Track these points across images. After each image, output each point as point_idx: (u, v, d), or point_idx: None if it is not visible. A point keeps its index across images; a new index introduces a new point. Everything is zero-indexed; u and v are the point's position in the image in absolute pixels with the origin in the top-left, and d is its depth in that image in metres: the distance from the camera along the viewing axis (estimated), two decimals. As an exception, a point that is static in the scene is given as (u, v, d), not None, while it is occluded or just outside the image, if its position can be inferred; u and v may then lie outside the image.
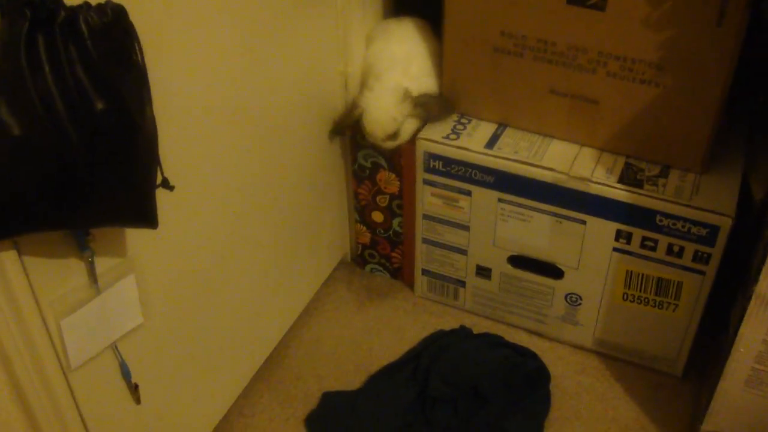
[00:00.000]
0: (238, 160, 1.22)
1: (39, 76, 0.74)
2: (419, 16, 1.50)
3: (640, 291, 1.40)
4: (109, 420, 1.09)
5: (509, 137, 1.41)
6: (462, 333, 1.54)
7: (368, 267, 1.70)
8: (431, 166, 1.43)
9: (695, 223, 1.28)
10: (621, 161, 1.36)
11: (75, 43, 0.75)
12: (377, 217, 1.59)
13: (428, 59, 1.45)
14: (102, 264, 0.97)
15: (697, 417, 1.32)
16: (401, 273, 1.67)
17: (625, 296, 1.42)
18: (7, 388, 0.92)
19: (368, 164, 1.52)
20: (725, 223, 1.26)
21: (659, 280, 1.37)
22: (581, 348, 1.53)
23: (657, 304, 1.40)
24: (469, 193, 1.43)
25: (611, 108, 1.33)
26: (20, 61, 0.73)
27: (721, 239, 1.28)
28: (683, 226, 1.29)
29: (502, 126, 1.44)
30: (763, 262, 1.08)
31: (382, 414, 1.40)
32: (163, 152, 0.92)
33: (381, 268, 1.68)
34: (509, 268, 1.50)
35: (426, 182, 1.46)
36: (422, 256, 1.58)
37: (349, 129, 1.47)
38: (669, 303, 1.39)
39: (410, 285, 1.66)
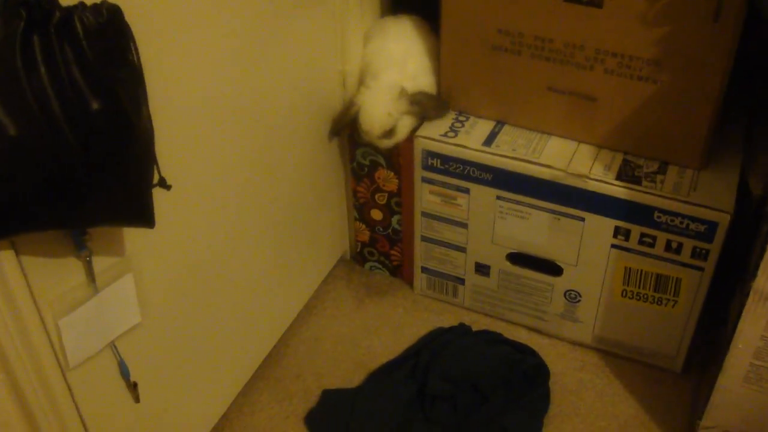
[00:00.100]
0: (236, 159, 1.22)
1: (34, 76, 0.74)
2: (417, 14, 1.50)
3: (639, 287, 1.40)
4: (108, 419, 1.09)
5: (507, 135, 1.41)
6: (461, 330, 1.55)
7: (367, 265, 1.70)
8: (429, 163, 1.43)
9: (693, 219, 1.28)
10: (619, 158, 1.36)
11: (70, 43, 0.75)
12: (376, 215, 1.59)
13: (425, 57, 1.45)
14: (100, 263, 0.98)
15: (696, 413, 1.33)
16: (400, 271, 1.67)
17: (624, 293, 1.42)
18: (6, 388, 0.92)
19: (367, 162, 1.52)
20: (723, 219, 1.26)
21: (658, 276, 1.37)
22: (581, 345, 1.53)
23: (656, 300, 1.40)
24: (467, 191, 1.43)
25: (609, 105, 1.33)
26: (16, 62, 0.73)
27: (720, 235, 1.28)
28: (681, 223, 1.29)
29: (500, 123, 1.44)
30: (761, 258, 1.08)
31: (381, 411, 1.40)
32: (160, 152, 0.92)
33: (380, 266, 1.68)
34: (508, 266, 1.50)
35: (424, 180, 1.46)
36: (421, 253, 1.58)
37: (346, 128, 1.47)
38: (668, 299, 1.39)
39: (409, 283, 1.66)
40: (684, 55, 1.23)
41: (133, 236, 1.02)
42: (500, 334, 1.54)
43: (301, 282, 1.56)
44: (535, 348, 1.50)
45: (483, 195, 1.42)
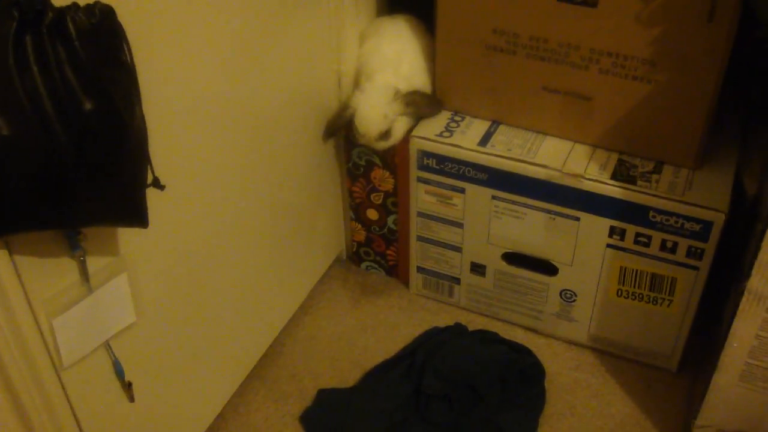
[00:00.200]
0: (231, 159, 1.22)
1: (27, 76, 0.74)
2: (412, 14, 1.50)
3: (635, 287, 1.40)
4: (102, 418, 1.09)
5: (502, 134, 1.42)
6: (457, 330, 1.55)
7: (363, 264, 1.70)
8: (425, 163, 1.43)
9: (688, 218, 1.29)
10: (614, 157, 1.36)
11: (63, 43, 0.76)
12: (372, 214, 1.60)
13: (420, 57, 1.45)
14: (94, 263, 0.98)
15: (691, 412, 1.33)
16: (396, 270, 1.67)
17: (620, 292, 1.42)
18: (0, 388, 0.92)
19: (362, 162, 1.52)
20: (718, 219, 1.27)
21: (653, 275, 1.37)
22: (576, 344, 1.54)
23: (651, 299, 1.40)
24: (462, 191, 1.43)
25: (604, 104, 1.33)
26: (8, 62, 0.73)
27: (715, 235, 1.28)
28: (676, 222, 1.30)
29: (496, 123, 1.44)
30: (755, 257, 1.08)
31: (377, 411, 1.40)
32: (154, 152, 0.93)
33: (376, 266, 1.69)
34: (504, 265, 1.50)
35: (420, 180, 1.46)
36: (417, 253, 1.58)
37: (341, 130, 1.47)
38: (663, 299, 1.39)
39: (405, 282, 1.66)
40: (678, 55, 1.23)
41: (127, 236, 1.02)
42: (496, 334, 1.54)
43: (297, 282, 1.56)
44: (531, 347, 1.50)
45: (478, 195, 1.42)
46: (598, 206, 1.34)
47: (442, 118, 1.46)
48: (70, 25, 0.76)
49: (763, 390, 1.20)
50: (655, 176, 1.32)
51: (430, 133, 1.42)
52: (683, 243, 1.31)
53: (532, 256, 1.46)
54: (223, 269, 1.28)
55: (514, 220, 1.42)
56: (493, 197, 1.41)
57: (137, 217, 0.91)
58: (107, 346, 1.05)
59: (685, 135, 1.31)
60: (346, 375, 1.48)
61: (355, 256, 1.70)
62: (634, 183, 1.31)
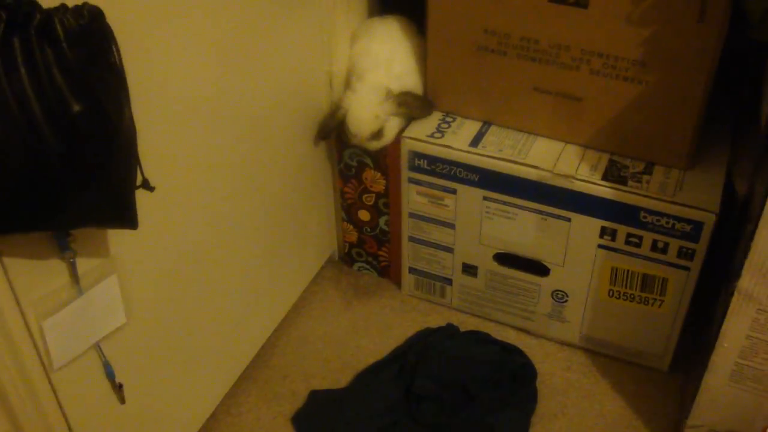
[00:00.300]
0: (222, 160, 1.22)
1: (15, 78, 0.74)
2: (404, 15, 1.50)
3: (626, 287, 1.40)
4: (93, 420, 1.09)
5: (494, 135, 1.42)
6: (449, 331, 1.55)
7: (356, 266, 1.70)
8: (416, 164, 1.43)
9: (679, 219, 1.29)
10: (605, 158, 1.36)
11: (51, 45, 0.75)
12: (364, 215, 1.60)
13: (411, 58, 1.45)
14: (84, 264, 0.98)
15: (683, 412, 1.33)
16: (388, 271, 1.67)
17: (611, 293, 1.42)
18: (-11, 390, 0.93)
19: (354, 163, 1.52)
20: (709, 219, 1.27)
21: (644, 276, 1.37)
22: (568, 344, 1.54)
23: (642, 300, 1.40)
24: (454, 192, 1.43)
25: (595, 105, 1.34)
26: (-5, 64, 0.73)
27: (705, 235, 1.29)
28: (667, 223, 1.30)
29: (487, 124, 1.45)
30: (745, 258, 1.08)
31: (368, 412, 1.40)
32: (144, 153, 0.92)
33: (368, 267, 1.69)
34: (495, 266, 1.50)
35: (411, 181, 1.46)
36: (409, 254, 1.58)
37: (334, 131, 1.47)
38: (654, 299, 1.39)
39: (397, 283, 1.66)
40: (669, 56, 1.23)
41: (117, 237, 1.02)
42: (488, 335, 1.54)
43: (288, 283, 1.56)
44: (523, 348, 1.50)
45: (470, 195, 1.42)
46: (589, 207, 1.34)
47: (434, 119, 1.46)
48: (58, 27, 0.75)
49: (753, 390, 1.20)
50: (645, 177, 1.32)
51: (422, 133, 1.42)
52: (674, 243, 1.31)
53: (523, 257, 1.47)
54: (215, 270, 1.28)
55: (506, 221, 1.42)
56: (485, 198, 1.41)
57: (127, 218, 0.90)
58: (98, 347, 1.05)
59: (675, 135, 1.31)
60: (338, 376, 1.48)
61: (347, 257, 1.70)
62: (624, 183, 1.31)
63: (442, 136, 1.41)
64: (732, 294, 1.12)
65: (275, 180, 1.39)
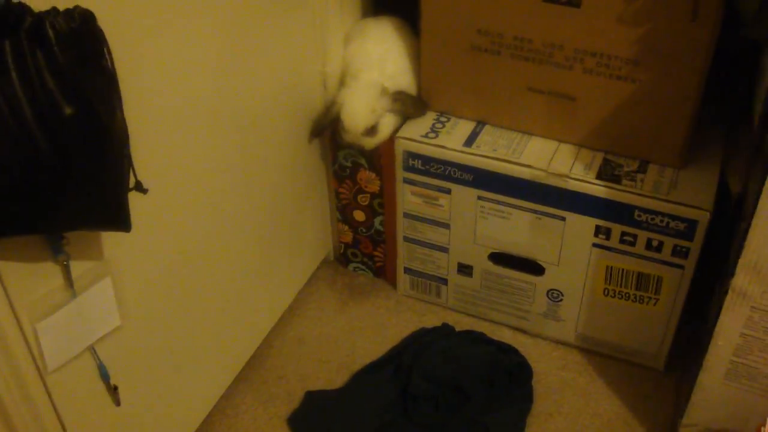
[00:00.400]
0: (216, 162, 1.22)
1: (6, 81, 0.74)
2: (397, 15, 1.50)
3: (621, 286, 1.40)
4: (88, 422, 1.09)
5: (488, 135, 1.42)
6: (444, 330, 1.55)
7: (351, 266, 1.70)
8: (410, 164, 1.43)
9: (673, 217, 1.29)
10: (599, 157, 1.37)
11: (42, 48, 0.75)
12: (359, 216, 1.60)
13: (405, 58, 1.45)
14: (78, 267, 0.97)
15: (678, 411, 1.33)
16: (384, 271, 1.67)
17: (606, 291, 1.42)
18: (-17, 393, 0.92)
19: (348, 164, 1.52)
20: (703, 218, 1.27)
21: (639, 275, 1.37)
22: (563, 343, 1.54)
23: (637, 298, 1.40)
24: (448, 192, 1.43)
25: (588, 104, 1.34)
26: (-14, 67, 0.73)
27: (700, 233, 1.29)
28: (661, 221, 1.30)
29: (481, 124, 1.45)
30: (739, 256, 1.08)
31: (364, 412, 1.40)
32: (137, 155, 0.93)
33: (364, 267, 1.69)
34: (490, 266, 1.50)
35: (406, 181, 1.46)
36: (404, 254, 1.58)
37: (328, 128, 1.47)
38: (649, 297, 1.39)
39: (393, 283, 1.66)
40: (662, 55, 1.23)
41: (111, 240, 1.02)
42: (483, 334, 1.54)
43: (284, 283, 1.56)
44: (518, 347, 1.51)
45: (464, 195, 1.42)
46: (583, 206, 1.34)
47: (428, 119, 1.46)
48: (50, 30, 0.75)
49: (748, 388, 1.20)
50: (640, 175, 1.33)
51: (416, 134, 1.42)
52: (668, 242, 1.31)
53: (518, 256, 1.47)
54: (210, 271, 1.28)
55: (500, 221, 1.42)
56: (479, 198, 1.41)
57: (120, 220, 0.91)
58: (92, 350, 1.05)
59: (669, 134, 1.31)
60: (333, 376, 1.48)
61: (343, 257, 1.70)
62: (619, 182, 1.31)
63: (437, 136, 1.41)
64: (726, 292, 1.12)
65: (270, 181, 1.39)
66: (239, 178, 1.30)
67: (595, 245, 1.37)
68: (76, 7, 0.79)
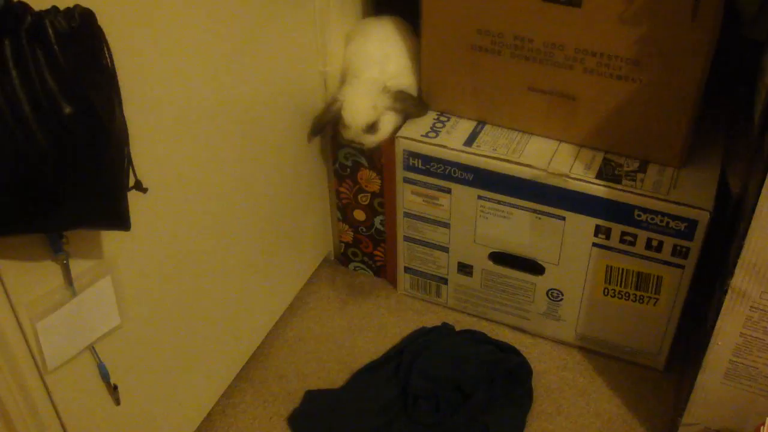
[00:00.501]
0: (216, 161, 1.22)
1: (6, 80, 0.74)
2: (398, 15, 1.50)
3: (621, 286, 1.40)
4: (88, 422, 1.09)
5: (488, 134, 1.42)
6: (444, 330, 1.55)
7: (351, 265, 1.70)
8: (411, 164, 1.43)
9: (673, 217, 1.29)
10: (599, 157, 1.37)
11: (42, 47, 0.76)
12: (359, 215, 1.60)
13: (406, 57, 1.45)
14: (78, 266, 0.98)
15: (677, 410, 1.33)
16: (384, 271, 1.67)
17: (606, 291, 1.42)
18: (-17, 392, 0.93)
19: (349, 163, 1.52)
20: (703, 218, 1.27)
21: (639, 274, 1.37)
22: (563, 343, 1.54)
23: (637, 298, 1.40)
24: (449, 191, 1.43)
25: (589, 104, 1.34)
26: (-14, 66, 0.73)
27: (700, 233, 1.29)
28: (662, 221, 1.30)
29: (481, 123, 1.45)
30: (738, 256, 1.09)
31: (364, 411, 1.40)
32: (137, 154, 0.93)
33: (364, 267, 1.69)
34: (490, 265, 1.50)
35: (406, 180, 1.46)
36: (404, 253, 1.59)
37: (329, 126, 1.48)
38: (649, 297, 1.39)
39: (393, 283, 1.66)
40: (662, 54, 1.23)
41: (111, 239, 1.02)
42: (483, 334, 1.54)
43: (284, 283, 1.56)
44: (518, 347, 1.51)
45: (464, 195, 1.42)
46: (583, 205, 1.34)
47: (428, 119, 1.46)
48: (49, 29, 0.76)
49: (747, 387, 1.21)
50: (640, 175, 1.33)
51: (416, 133, 1.42)
52: (668, 242, 1.31)
53: (518, 256, 1.47)
54: (210, 271, 1.28)
55: (501, 220, 1.42)
56: (479, 197, 1.41)
57: (119, 219, 0.91)
58: (92, 349, 1.05)
59: (669, 134, 1.31)
60: (333, 376, 1.48)
61: (343, 256, 1.70)
62: (619, 182, 1.31)
63: (437, 135, 1.42)
64: (725, 292, 1.12)
65: (270, 180, 1.39)
66: (239, 177, 1.30)
67: (595, 245, 1.37)
68: (76, 6, 0.79)
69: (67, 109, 0.77)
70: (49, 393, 1.00)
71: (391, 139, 1.43)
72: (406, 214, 1.52)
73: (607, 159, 1.36)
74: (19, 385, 0.95)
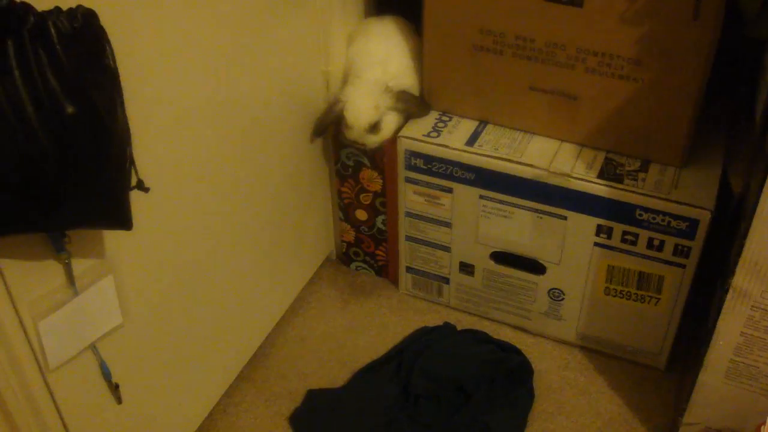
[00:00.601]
0: (219, 161, 1.23)
1: (8, 80, 0.74)
2: (400, 15, 1.51)
3: (622, 285, 1.40)
4: (89, 421, 1.09)
5: (490, 134, 1.42)
6: (446, 329, 1.55)
7: (353, 265, 1.70)
8: (412, 163, 1.43)
9: (675, 217, 1.29)
10: (601, 156, 1.37)
11: (45, 48, 0.76)
12: (361, 215, 1.60)
13: (408, 57, 1.45)
14: (80, 265, 0.98)
15: (679, 409, 1.33)
16: (386, 270, 1.67)
17: (607, 291, 1.42)
18: (-15, 391, 0.93)
19: (351, 163, 1.52)
20: (704, 217, 1.27)
21: (640, 274, 1.37)
22: (565, 342, 1.54)
23: (639, 298, 1.40)
24: (450, 191, 1.43)
25: (590, 103, 1.34)
26: (-11, 66, 0.73)
27: (701, 233, 1.29)
28: (663, 220, 1.30)
29: (483, 123, 1.45)
30: (739, 255, 1.09)
31: (366, 411, 1.41)
32: (139, 154, 0.93)
33: (366, 266, 1.69)
34: (492, 265, 1.50)
35: (408, 180, 1.46)
36: (406, 253, 1.59)
37: (331, 126, 1.48)
38: (651, 297, 1.39)
39: (395, 282, 1.66)
40: (664, 54, 1.24)
41: (113, 238, 1.02)
42: (484, 333, 1.54)
43: (286, 282, 1.56)
44: (520, 346, 1.51)
45: (466, 194, 1.42)
46: (585, 205, 1.34)
47: (430, 118, 1.46)
48: (52, 30, 0.76)
49: (748, 387, 1.21)
50: (641, 175, 1.33)
51: (418, 133, 1.42)
52: (670, 241, 1.31)
53: (520, 256, 1.47)
54: (212, 270, 1.29)
55: (502, 220, 1.42)
56: (481, 197, 1.41)
57: (121, 219, 0.91)
58: (94, 348, 1.05)
59: (671, 133, 1.31)
60: (335, 375, 1.49)
61: (345, 256, 1.70)
62: (620, 181, 1.31)
63: (439, 135, 1.42)
64: (726, 291, 1.12)
65: (272, 180, 1.39)
66: (241, 177, 1.30)
67: (596, 244, 1.37)
68: (79, 7, 0.79)
69: (70, 109, 0.77)
70: (51, 392, 1.01)
71: (393, 139, 1.43)
72: (408, 214, 1.52)
73: (609, 158, 1.36)
74: (21, 383, 0.95)
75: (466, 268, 1.53)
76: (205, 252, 1.25)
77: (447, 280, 1.58)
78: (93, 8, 0.81)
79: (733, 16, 1.20)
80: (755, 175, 1.08)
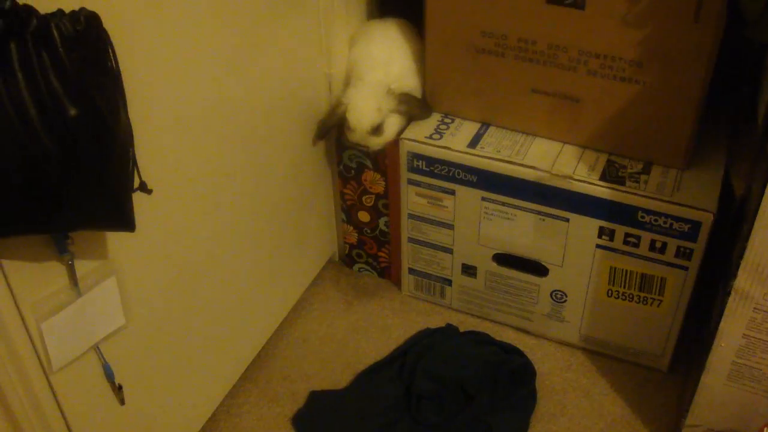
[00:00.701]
0: (221, 162, 1.23)
1: (11, 83, 0.74)
2: (402, 17, 1.51)
3: (625, 287, 1.40)
4: (92, 422, 1.09)
5: (492, 136, 1.42)
6: (448, 331, 1.55)
7: (356, 267, 1.70)
8: (415, 165, 1.44)
9: (677, 219, 1.29)
10: (603, 158, 1.37)
11: (48, 50, 0.76)
12: (363, 216, 1.60)
13: (410, 59, 1.46)
14: (83, 266, 0.98)
15: (681, 411, 1.33)
16: (388, 272, 1.67)
17: (610, 293, 1.42)
18: (-12, 392, 0.93)
19: (353, 165, 1.52)
20: (707, 219, 1.27)
21: (643, 276, 1.38)
22: (567, 344, 1.54)
23: (641, 299, 1.40)
24: (453, 193, 1.44)
25: (592, 106, 1.34)
26: (-8, 69, 0.74)
27: (703, 235, 1.29)
28: (665, 222, 1.30)
29: (485, 125, 1.45)
30: (741, 257, 1.09)
31: (368, 412, 1.41)
32: (141, 156, 0.93)
33: (368, 268, 1.69)
34: (494, 266, 1.50)
35: (410, 182, 1.46)
36: (408, 255, 1.59)
37: (333, 129, 1.48)
38: (653, 299, 1.39)
39: (397, 284, 1.66)
40: (665, 56, 1.24)
41: (116, 239, 1.02)
42: (487, 335, 1.54)
43: (289, 284, 1.56)
44: (522, 348, 1.51)
45: (468, 196, 1.43)
46: (587, 207, 1.34)
47: (432, 120, 1.47)
48: (55, 32, 0.76)
49: (750, 389, 1.21)
50: (643, 177, 1.33)
51: (420, 135, 1.43)
52: (672, 243, 1.32)
53: (522, 257, 1.47)
54: (215, 272, 1.29)
55: (504, 222, 1.43)
56: (483, 199, 1.41)
57: (124, 221, 0.91)
58: (97, 349, 1.06)
59: (673, 135, 1.31)
60: (338, 376, 1.49)
61: (348, 258, 1.70)
62: (622, 183, 1.31)
63: (441, 137, 1.42)
64: (728, 293, 1.12)
65: (275, 182, 1.40)
66: (244, 179, 1.30)
67: (598, 246, 1.38)
68: (82, 9, 0.79)
69: (72, 111, 0.78)
70: (54, 393, 1.01)
71: (396, 141, 1.44)
72: (411, 216, 1.52)
73: (611, 160, 1.36)
74: (24, 385, 0.96)
75: (469, 270, 1.54)
76: (208, 253, 1.26)
77: (449, 282, 1.58)
78: (96, 11, 0.81)
79: (735, 18, 1.20)
80: (757, 177, 1.08)
